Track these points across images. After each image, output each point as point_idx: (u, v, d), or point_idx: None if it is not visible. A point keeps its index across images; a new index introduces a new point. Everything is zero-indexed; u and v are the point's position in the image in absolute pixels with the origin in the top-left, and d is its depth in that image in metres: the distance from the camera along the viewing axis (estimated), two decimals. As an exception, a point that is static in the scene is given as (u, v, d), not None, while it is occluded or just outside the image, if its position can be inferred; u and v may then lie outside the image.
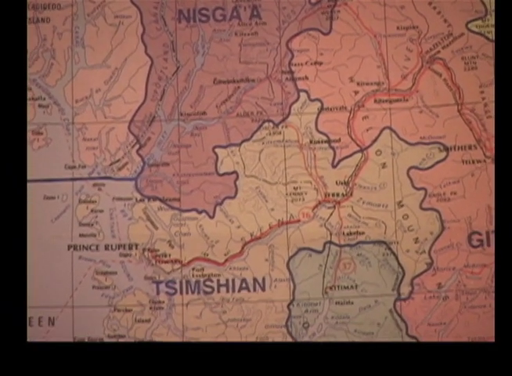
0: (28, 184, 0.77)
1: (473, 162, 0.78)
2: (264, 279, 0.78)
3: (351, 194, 0.78)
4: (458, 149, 0.78)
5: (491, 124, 0.78)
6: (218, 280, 0.78)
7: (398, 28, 0.79)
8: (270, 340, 0.78)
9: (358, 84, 0.79)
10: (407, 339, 0.78)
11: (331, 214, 0.78)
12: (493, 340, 0.77)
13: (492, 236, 0.78)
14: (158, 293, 0.78)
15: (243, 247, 0.78)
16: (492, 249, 0.78)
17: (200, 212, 0.78)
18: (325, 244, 0.78)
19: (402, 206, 0.78)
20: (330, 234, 0.78)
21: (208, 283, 0.78)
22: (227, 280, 0.78)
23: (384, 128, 0.78)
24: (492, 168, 0.78)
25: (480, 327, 0.77)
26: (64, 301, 0.77)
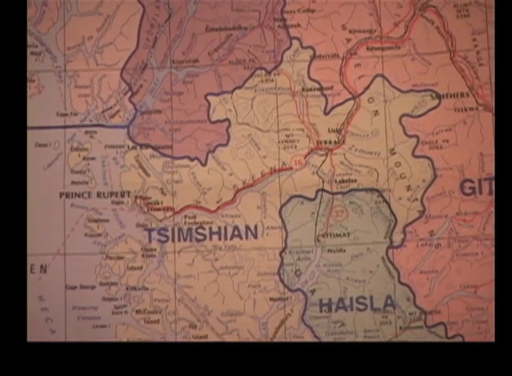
0: (20, 131, 0.77)
1: (465, 110, 0.78)
2: (256, 226, 0.78)
3: (344, 142, 0.78)
4: (450, 96, 0.78)
5: (483, 72, 0.78)
6: (210, 228, 0.78)
7: (390, -24, 0.79)
8: (262, 287, 0.78)
9: (350, 31, 0.79)
10: (399, 287, 0.78)
11: (323, 161, 0.78)
12: (485, 290, 0.78)
13: (485, 184, 0.78)
14: (150, 240, 0.78)
15: (235, 195, 0.78)
16: (484, 197, 0.78)
17: (192, 160, 0.78)
18: (317, 192, 0.78)
19: (395, 154, 0.78)
20: (323, 182, 0.78)
21: (200, 230, 0.78)
22: (219, 228, 0.78)
23: (376, 76, 0.78)
24: (484, 115, 0.78)
25: (472, 274, 0.77)
26: (56, 249, 0.77)
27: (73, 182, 0.78)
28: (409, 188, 0.78)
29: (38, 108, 0.78)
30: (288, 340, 0.77)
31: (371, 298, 0.78)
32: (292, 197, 0.78)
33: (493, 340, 0.77)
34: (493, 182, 0.78)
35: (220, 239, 0.78)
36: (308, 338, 0.77)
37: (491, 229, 0.78)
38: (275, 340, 0.77)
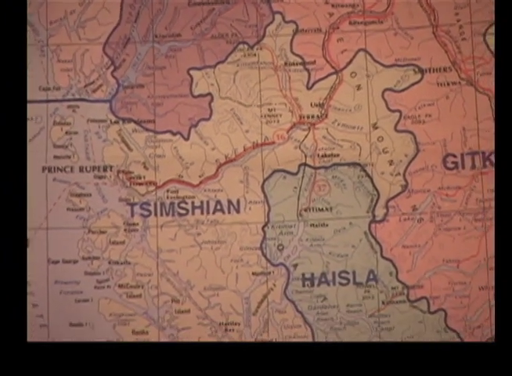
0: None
1: (448, 84, 0.78)
2: (238, 201, 0.78)
3: (326, 116, 0.78)
4: (433, 71, 0.78)
5: (466, 47, 0.78)
6: (193, 202, 0.78)
7: (372, -51, 0.79)
8: (245, 262, 0.78)
9: (332, 6, 0.79)
10: (381, 261, 0.78)
11: (306, 136, 0.78)
12: (468, 265, 0.78)
13: (467, 159, 0.78)
14: (133, 215, 0.78)
15: (217, 169, 0.78)
16: (466, 171, 0.78)
17: (174, 134, 0.78)
18: (299, 166, 0.78)
19: (377, 128, 0.78)
20: (305, 156, 0.78)
21: (183, 205, 0.78)
22: (201, 202, 0.78)
23: (358, 50, 0.78)
24: (466, 90, 0.78)
25: (455, 249, 0.77)
26: (38, 223, 0.77)
27: (55, 157, 0.78)
28: (391, 162, 0.78)
29: (21, 82, 0.78)
30: (271, 314, 0.77)
31: (353, 272, 0.78)
32: (274, 171, 0.78)
33: (474, 315, 0.77)
34: (476, 157, 0.78)
35: (202, 213, 0.78)
36: (291, 312, 0.77)
37: (473, 204, 0.78)
38: (258, 314, 0.77)
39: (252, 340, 0.77)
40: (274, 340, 0.77)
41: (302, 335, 0.77)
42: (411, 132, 0.78)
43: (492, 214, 0.77)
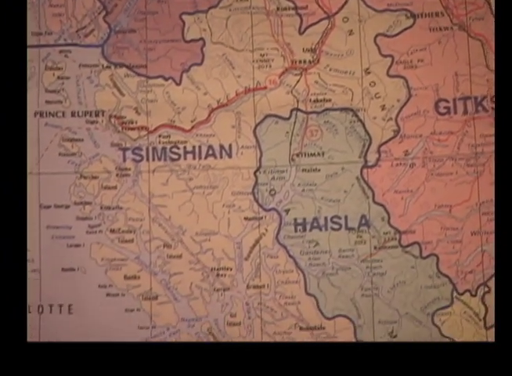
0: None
1: (440, 29, 0.78)
2: (230, 146, 0.78)
3: (318, 61, 0.78)
4: (425, 16, 0.78)
5: (458, -9, 0.78)
6: (185, 147, 0.78)
7: None
8: (237, 207, 0.78)
9: (325, -50, 0.79)
10: (373, 206, 0.78)
11: (298, 81, 0.78)
12: (460, 210, 0.77)
13: (459, 104, 0.78)
14: (125, 160, 0.78)
15: (209, 114, 0.78)
16: (458, 116, 0.78)
17: (166, 79, 0.78)
18: (292, 111, 0.78)
19: (369, 73, 0.78)
20: (297, 101, 0.78)
21: (175, 150, 0.78)
22: (193, 147, 0.78)
23: (351, -5, 0.78)
24: (459, 34, 0.78)
25: (447, 194, 0.77)
26: (30, 168, 0.77)
27: (47, 102, 0.78)
28: (383, 107, 0.78)
29: (13, 27, 0.78)
30: (263, 259, 0.77)
31: (345, 217, 0.78)
32: (266, 116, 0.78)
33: (466, 260, 0.77)
34: (468, 102, 0.78)
35: (194, 158, 0.78)
36: (283, 257, 0.77)
37: (466, 149, 0.78)
38: (250, 259, 0.77)
39: (244, 285, 0.77)
40: (266, 285, 0.77)
41: (294, 280, 0.77)
42: (403, 77, 0.78)
43: (484, 159, 0.77)
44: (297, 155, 0.78)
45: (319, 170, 0.78)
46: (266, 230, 0.78)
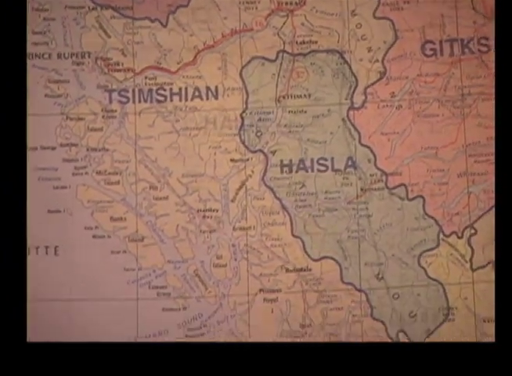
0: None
1: (426, -29, 0.78)
2: (217, 87, 0.78)
3: (305, 3, 0.78)
4: (412, -42, 0.78)
5: None
6: (171, 89, 0.78)
7: None
8: (223, 149, 0.78)
9: None
10: (360, 148, 0.77)
11: (284, 23, 0.78)
12: (446, 152, 0.77)
13: (446, 46, 0.78)
14: (111, 101, 0.78)
15: (195, 56, 0.78)
16: (445, 58, 0.78)
17: (152, 21, 0.78)
18: (278, 53, 0.78)
19: (356, 15, 0.78)
20: (283, 43, 0.78)
21: (161, 91, 0.78)
22: (180, 89, 0.78)
23: None
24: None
25: (433, 136, 0.77)
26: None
27: (33, 43, 0.78)
28: (369, 49, 0.78)
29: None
30: (249, 201, 0.77)
31: (332, 159, 0.78)
32: (253, 58, 0.78)
33: (452, 202, 0.77)
34: (454, 44, 0.78)
35: (181, 100, 0.78)
36: (269, 199, 0.77)
37: (452, 91, 0.78)
38: (236, 201, 0.77)
39: (230, 227, 0.77)
40: (252, 227, 0.77)
41: (281, 222, 0.77)
42: (389, 19, 0.78)
43: (471, 101, 0.77)
44: (284, 97, 0.78)
45: (306, 111, 0.78)
46: (252, 172, 0.77)
